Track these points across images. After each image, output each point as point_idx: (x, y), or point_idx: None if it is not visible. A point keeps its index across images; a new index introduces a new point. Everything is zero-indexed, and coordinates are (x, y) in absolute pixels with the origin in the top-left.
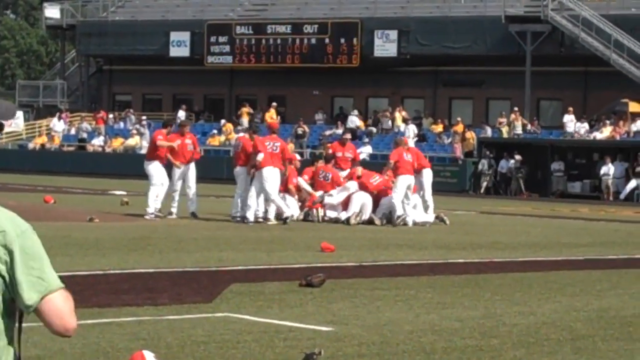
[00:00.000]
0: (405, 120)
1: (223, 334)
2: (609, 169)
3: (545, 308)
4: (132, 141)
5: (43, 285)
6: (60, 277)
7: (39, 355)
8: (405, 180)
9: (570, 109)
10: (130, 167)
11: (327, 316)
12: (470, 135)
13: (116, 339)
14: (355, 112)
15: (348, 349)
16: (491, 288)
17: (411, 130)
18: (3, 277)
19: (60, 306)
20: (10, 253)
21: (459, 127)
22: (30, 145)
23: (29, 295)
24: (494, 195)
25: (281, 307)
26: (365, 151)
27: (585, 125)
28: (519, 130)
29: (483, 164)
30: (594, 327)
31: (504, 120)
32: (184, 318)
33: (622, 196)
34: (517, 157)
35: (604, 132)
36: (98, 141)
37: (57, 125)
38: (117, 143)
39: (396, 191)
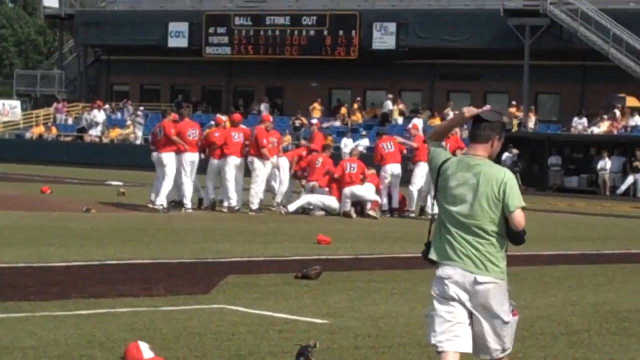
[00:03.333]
0: (402, 113)
1: (218, 326)
2: (605, 164)
3: (541, 302)
4: (127, 131)
5: (517, 203)
6: (56, 267)
7: (33, 345)
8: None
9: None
10: (127, 157)
11: (322, 308)
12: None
13: (111, 330)
14: (390, 96)
15: (343, 342)
16: None
17: (420, 123)
18: (501, 200)
19: (522, 215)
20: (504, 186)
21: None
22: (28, 135)
23: (511, 207)
24: None
25: (277, 299)
26: (362, 144)
27: (584, 120)
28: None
29: None
30: (590, 322)
31: (520, 114)
32: (179, 309)
33: (619, 191)
34: (514, 150)
35: (602, 127)
36: (95, 131)
37: (98, 116)
38: (115, 133)
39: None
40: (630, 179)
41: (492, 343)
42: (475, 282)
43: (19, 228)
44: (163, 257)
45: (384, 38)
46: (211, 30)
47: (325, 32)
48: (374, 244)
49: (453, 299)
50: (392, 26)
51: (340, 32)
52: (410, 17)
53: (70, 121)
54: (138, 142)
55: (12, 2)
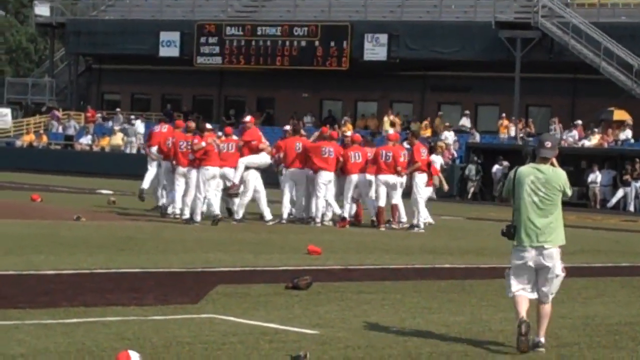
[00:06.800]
0: (393, 124)
1: (208, 335)
2: (596, 177)
3: (531, 315)
4: (117, 140)
5: (569, 190)
6: (47, 275)
7: (23, 354)
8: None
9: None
10: (117, 166)
11: (313, 319)
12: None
13: (101, 339)
14: (467, 112)
15: (334, 352)
16: (478, 294)
17: (451, 137)
18: (562, 191)
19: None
20: (565, 183)
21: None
22: (18, 143)
23: (569, 194)
24: (481, 200)
25: (267, 309)
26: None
27: (574, 133)
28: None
29: (470, 170)
30: (580, 335)
31: (512, 125)
32: (169, 319)
33: (609, 205)
34: (505, 162)
35: (592, 140)
36: (86, 140)
37: (140, 126)
38: (105, 142)
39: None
40: (620, 193)
41: (547, 290)
42: (544, 249)
43: (9, 236)
44: (153, 267)
45: (375, 49)
46: (202, 40)
47: (317, 43)
48: (365, 255)
49: (526, 265)
50: (383, 37)
51: (332, 43)
52: (401, 29)
53: (61, 130)
54: (128, 151)
55: (4, 10)
